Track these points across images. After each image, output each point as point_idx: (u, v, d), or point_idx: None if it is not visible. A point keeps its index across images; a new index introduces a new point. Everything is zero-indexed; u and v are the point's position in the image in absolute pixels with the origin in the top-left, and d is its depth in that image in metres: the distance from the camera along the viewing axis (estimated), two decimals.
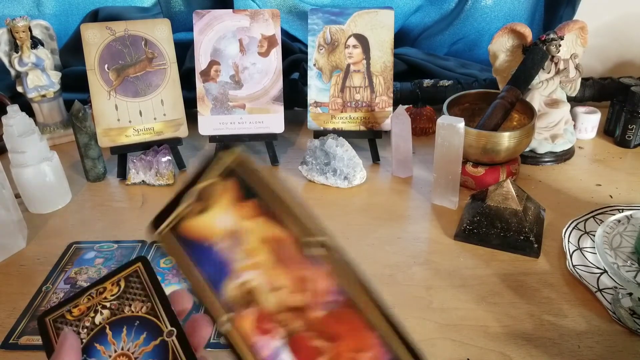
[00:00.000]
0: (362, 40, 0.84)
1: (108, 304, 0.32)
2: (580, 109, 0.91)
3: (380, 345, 0.22)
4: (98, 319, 0.32)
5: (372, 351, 0.22)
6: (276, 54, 0.85)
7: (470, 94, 0.85)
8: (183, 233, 0.27)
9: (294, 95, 1.00)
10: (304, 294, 0.24)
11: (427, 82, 1.00)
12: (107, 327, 0.32)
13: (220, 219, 0.26)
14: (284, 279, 0.25)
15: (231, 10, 0.85)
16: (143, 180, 0.84)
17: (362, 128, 0.87)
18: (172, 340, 0.30)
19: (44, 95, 0.96)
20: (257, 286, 0.25)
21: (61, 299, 0.62)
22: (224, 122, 0.86)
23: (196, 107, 0.86)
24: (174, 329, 0.31)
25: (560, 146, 0.84)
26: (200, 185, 0.27)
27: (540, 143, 0.84)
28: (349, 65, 0.85)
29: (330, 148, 0.80)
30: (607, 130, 0.93)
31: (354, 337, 0.23)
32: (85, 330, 0.32)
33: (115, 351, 0.31)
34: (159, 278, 0.33)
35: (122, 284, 0.33)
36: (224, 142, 0.88)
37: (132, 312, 0.32)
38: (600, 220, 0.68)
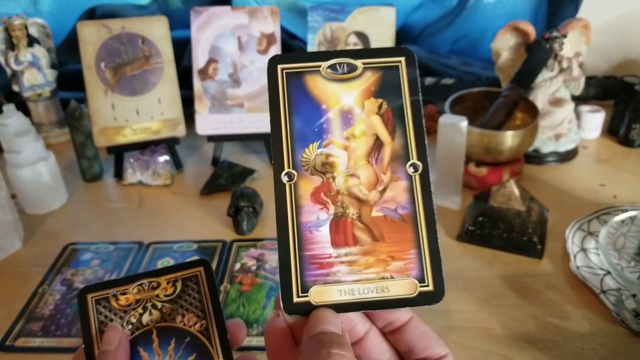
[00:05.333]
0: (363, 38, 0.83)
1: (160, 305, 0.30)
2: (584, 108, 0.90)
3: (414, 262, 0.26)
4: (146, 318, 0.30)
5: (404, 262, 0.26)
6: (275, 51, 0.84)
7: (473, 92, 0.84)
8: (305, 83, 0.28)
9: None
10: (372, 192, 0.27)
11: (429, 80, 0.99)
12: (155, 331, 0.29)
13: (344, 95, 0.28)
14: (363, 171, 0.27)
15: (230, 7, 0.83)
16: (140, 181, 0.84)
17: None
18: None
19: (40, 94, 0.95)
20: (337, 164, 0.27)
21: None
22: (223, 121, 0.85)
23: (194, 106, 0.85)
24: None
25: (564, 145, 0.83)
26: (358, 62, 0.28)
27: (544, 142, 0.83)
28: None
29: None
30: (611, 130, 0.92)
31: (396, 245, 0.26)
32: (130, 326, 0.29)
33: None
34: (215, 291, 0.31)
35: (179, 286, 0.31)
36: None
37: (185, 325, 0.30)
38: (604, 220, 0.67)
